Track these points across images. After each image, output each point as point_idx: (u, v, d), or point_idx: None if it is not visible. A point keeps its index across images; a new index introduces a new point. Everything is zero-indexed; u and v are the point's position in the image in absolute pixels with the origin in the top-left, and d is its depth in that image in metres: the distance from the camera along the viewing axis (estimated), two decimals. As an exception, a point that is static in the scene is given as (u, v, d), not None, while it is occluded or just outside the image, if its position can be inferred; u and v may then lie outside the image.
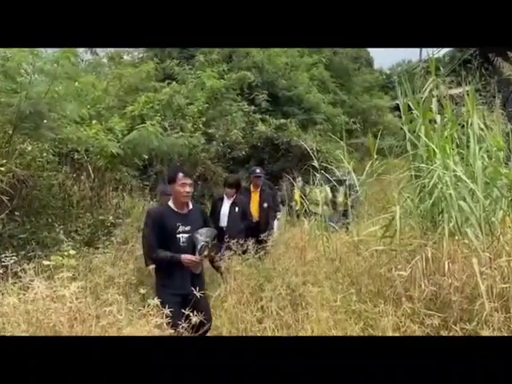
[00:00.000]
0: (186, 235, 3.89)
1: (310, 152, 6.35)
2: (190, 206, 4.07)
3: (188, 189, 3.89)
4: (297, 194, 9.13)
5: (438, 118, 5.02)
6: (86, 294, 3.18)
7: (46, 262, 4.48)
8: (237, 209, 6.00)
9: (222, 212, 5.98)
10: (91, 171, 6.90)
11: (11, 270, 3.39)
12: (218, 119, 10.44)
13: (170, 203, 3.99)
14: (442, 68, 5.16)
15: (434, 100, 5.19)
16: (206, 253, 3.84)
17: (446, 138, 4.62)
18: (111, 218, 6.62)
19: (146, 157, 7.86)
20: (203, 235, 3.85)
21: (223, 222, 5.94)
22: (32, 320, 2.63)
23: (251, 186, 6.90)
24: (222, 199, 6.11)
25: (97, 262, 5.18)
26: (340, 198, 10.26)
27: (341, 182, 9.62)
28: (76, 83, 6.64)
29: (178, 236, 3.86)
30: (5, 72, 5.53)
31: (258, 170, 6.94)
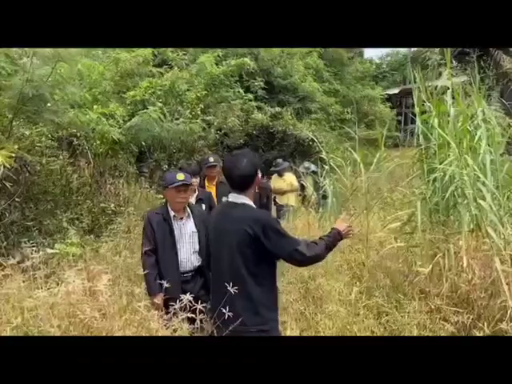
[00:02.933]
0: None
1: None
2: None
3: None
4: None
5: (452, 110, 4.98)
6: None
7: (49, 251, 4.40)
8: (204, 207, 4.78)
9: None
10: (91, 157, 6.74)
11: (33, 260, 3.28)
12: (215, 106, 10.34)
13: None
14: (453, 61, 5.09)
15: (449, 92, 5.14)
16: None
17: (462, 130, 4.59)
18: (112, 205, 6.51)
19: (145, 144, 7.77)
20: None
21: None
22: (62, 314, 2.56)
23: (205, 179, 5.67)
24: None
25: (103, 251, 5.06)
26: (309, 190, 9.67)
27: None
28: (79, 66, 6.46)
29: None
30: (6, 54, 5.35)
31: (211, 159, 5.59)
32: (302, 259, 2.58)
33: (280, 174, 8.39)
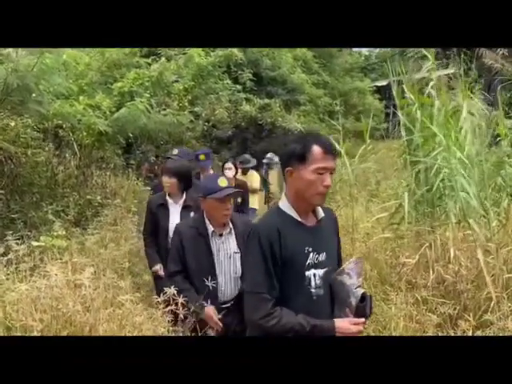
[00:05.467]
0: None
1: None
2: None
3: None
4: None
5: (437, 102, 4.99)
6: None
7: (35, 243, 4.35)
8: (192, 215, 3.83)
9: (170, 226, 3.82)
10: (77, 149, 6.67)
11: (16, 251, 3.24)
12: (203, 97, 10.28)
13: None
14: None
15: (432, 83, 5.14)
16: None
17: (446, 122, 4.60)
18: (99, 197, 6.42)
19: (132, 135, 7.70)
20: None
21: None
22: (44, 308, 2.53)
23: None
24: (163, 205, 4.01)
25: (89, 244, 5.00)
26: (273, 187, 8.98)
27: None
28: (65, 56, 6.36)
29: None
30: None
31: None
32: (258, 315, 1.87)
33: (244, 172, 7.47)
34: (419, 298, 3.54)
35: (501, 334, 2.98)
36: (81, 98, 6.65)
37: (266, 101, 12.50)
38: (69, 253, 4.67)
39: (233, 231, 3.00)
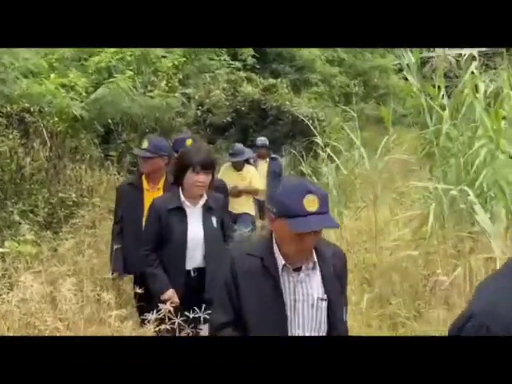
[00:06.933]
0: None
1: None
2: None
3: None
4: None
5: (482, 85, 5.02)
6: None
7: (-2, 250, 4.39)
8: (214, 220, 3.65)
9: (189, 236, 3.55)
10: (47, 137, 6.69)
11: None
12: (197, 77, 10.31)
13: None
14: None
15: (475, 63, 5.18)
16: None
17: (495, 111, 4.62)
18: (73, 195, 6.50)
19: (112, 121, 7.75)
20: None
21: (195, 256, 3.60)
22: (17, 325, 2.58)
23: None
24: (178, 209, 3.59)
25: (62, 250, 5.11)
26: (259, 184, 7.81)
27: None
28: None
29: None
30: None
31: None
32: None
33: (237, 167, 6.93)
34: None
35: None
36: (52, 75, 6.69)
37: (271, 81, 12.48)
38: (39, 261, 4.74)
39: (317, 264, 2.26)
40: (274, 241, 2.27)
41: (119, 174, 7.86)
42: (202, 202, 3.59)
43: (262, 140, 8.74)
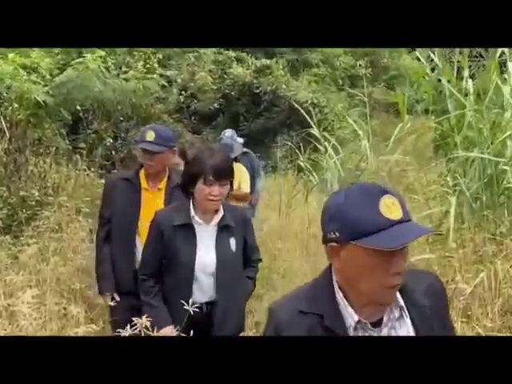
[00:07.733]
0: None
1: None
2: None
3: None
4: None
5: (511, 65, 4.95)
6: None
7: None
8: (233, 242, 3.32)
9: (198, 260, 3.23)
10: (5, 127, 6.57)
11: None
12: (179, 57, 10.28)
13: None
14: None
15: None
16: None
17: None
18: (36, 194, 6.42)
19: (81, 108, 7.78)
20: None
21: (204, 286, 3.29)
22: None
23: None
24: (187, 225, 3.25)
25: (23, 258, 5.06)
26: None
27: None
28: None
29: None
30: None
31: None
32: None
33: None
34: (480, 330, 3.57)
35: None
36: (10, 55, 6.63)
37: (265, 61, 12.47)
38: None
39: (406, 313, 1.67)
40: (335, 286, 1.70)
41: (89, 169, 7.82)
42: (216, 218, 3.20)
43: (228, 133, 7.03)
